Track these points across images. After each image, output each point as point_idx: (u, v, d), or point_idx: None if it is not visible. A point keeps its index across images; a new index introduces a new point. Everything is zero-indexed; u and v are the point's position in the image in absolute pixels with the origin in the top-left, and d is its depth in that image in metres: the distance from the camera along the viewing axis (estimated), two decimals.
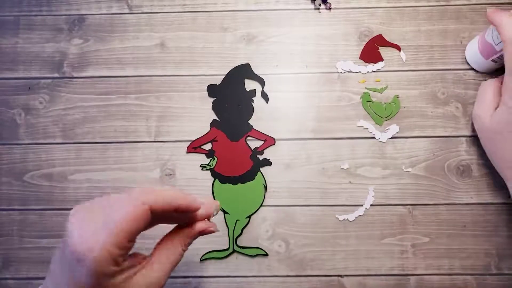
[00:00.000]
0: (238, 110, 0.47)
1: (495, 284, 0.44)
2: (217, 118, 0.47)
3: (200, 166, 0.46)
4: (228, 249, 0.45)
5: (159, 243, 0.31)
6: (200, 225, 0.32)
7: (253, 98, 0.48)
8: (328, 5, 0.49)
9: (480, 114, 0.42)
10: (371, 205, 0.45)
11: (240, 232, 0.45)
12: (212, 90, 0.48)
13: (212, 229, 0.33)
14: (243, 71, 0.48)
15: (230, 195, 0.45)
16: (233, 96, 0.48)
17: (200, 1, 0.50)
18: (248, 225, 0.45)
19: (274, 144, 0.47)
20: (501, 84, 0.41)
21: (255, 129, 0.47)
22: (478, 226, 0.45)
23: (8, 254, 0.46)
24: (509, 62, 0.38)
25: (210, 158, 0.46)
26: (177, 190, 0.31)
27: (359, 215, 0.45)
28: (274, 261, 0.44)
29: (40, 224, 0.46)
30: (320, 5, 0.50)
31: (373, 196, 0.45)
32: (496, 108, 0.40)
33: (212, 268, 0.44)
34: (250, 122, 0.47)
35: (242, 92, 0.48)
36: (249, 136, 0.47)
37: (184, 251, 0.32)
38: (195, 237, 0.33)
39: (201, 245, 0.44)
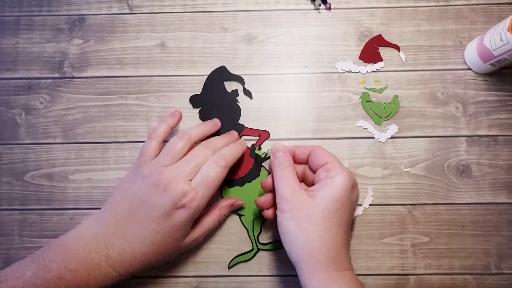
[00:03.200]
0: (226, 113, 0.47)
1: (495, 284, 0.44)
2: None
3: None
4: (252, 249, 0.44)
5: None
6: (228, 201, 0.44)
7: (237, 98, 0.48)
8: (328, 5, 0.49)
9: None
10: (370, 204, 0.45)
11: (259, 230, 0.45)
12: (195, 100, 0.48)
13: (239, 202, 0.44)
14: (220, 75, 0.48)
15: (241, 197, 0.45)
16: (217, 101, 0.48)
17: (200, 1, 0.50)
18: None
19: (269, 137, 0.47)
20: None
21: (247, 127, 0.47)
22: (478, 226, 0.45)
23: (8, 254, 0.46)
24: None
25: None
26: (237, 143, 0.43)
27: (358, 215, 0.45)
28: (274, 260, 0.45)
29: (41, 224, 0.46)
30: (320, 5, 0.50)
31: (372, 196, 0.45)
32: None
33: (213, 267, 0.44)
34: (249, 121, 0.47)
35: (225, 95, 0.48)
36: (243, 135, 0.47)
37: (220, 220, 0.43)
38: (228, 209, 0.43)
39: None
